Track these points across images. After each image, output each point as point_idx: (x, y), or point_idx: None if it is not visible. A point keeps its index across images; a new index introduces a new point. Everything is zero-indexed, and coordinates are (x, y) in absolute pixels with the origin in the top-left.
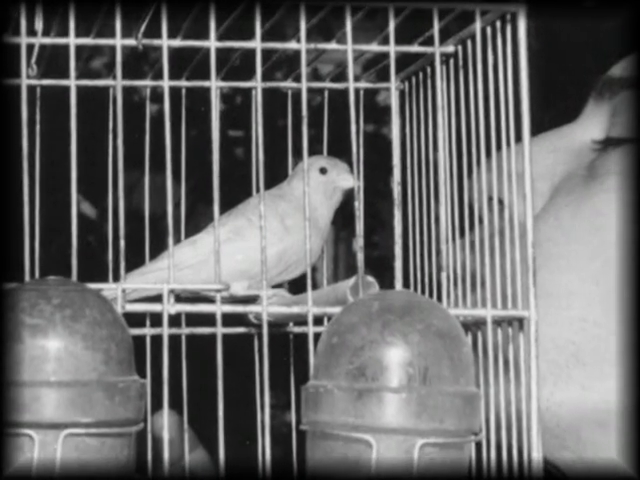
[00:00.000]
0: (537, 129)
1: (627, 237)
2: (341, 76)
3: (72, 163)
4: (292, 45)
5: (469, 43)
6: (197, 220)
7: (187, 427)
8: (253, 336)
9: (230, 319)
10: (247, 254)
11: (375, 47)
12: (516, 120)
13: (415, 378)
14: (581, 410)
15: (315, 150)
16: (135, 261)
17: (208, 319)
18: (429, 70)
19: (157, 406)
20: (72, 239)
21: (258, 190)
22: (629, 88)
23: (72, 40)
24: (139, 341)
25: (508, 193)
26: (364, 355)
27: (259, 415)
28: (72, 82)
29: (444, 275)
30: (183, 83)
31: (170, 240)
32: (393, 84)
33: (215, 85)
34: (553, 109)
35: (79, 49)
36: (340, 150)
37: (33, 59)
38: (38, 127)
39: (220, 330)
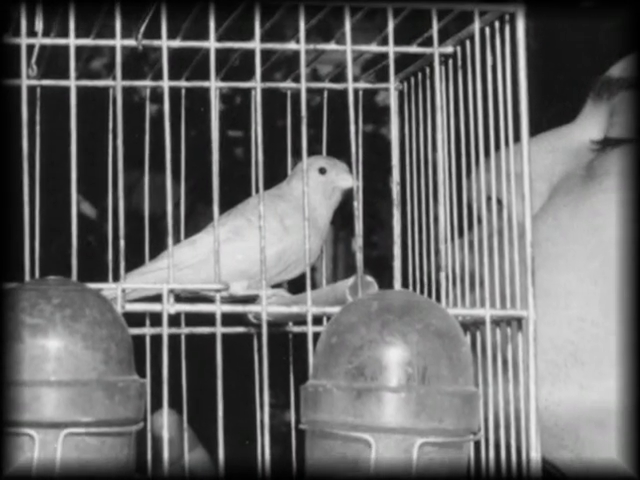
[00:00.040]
0: (536, 129)
1: (626, 237)
2: (340, 76)
3: (72, 163)
4: (291, 46)
5: (468, 43)
6: (197, 220)
7: (187, 426)
8: (252, 336)
9: (229, 319)
10: (246, 254)
11: (374, 48)
12: (515, 120)
13: (414, 378)
14: (579, 409)
15: (314, 150)
16: (135, 261)
17: (208, 319)
18: (428, 70)
19: (157, 405)
20: (72, 239)
21: (257, 190)
22: (627, 88)
23: (72, 41)
24: (139, 341)
25: (507, 193)
26: (363, 355)
27: (258, 414)
28: (72, 82)
29: (443, 275)
30: (183, 83)
31: (170, 240)
32: (392, 84)
33: (215, 85)
34: (552, 109)
35: (79, 49)
36: (339, 150)
37: (33, 59)
38: (38, 127)
39: (219, 330)
